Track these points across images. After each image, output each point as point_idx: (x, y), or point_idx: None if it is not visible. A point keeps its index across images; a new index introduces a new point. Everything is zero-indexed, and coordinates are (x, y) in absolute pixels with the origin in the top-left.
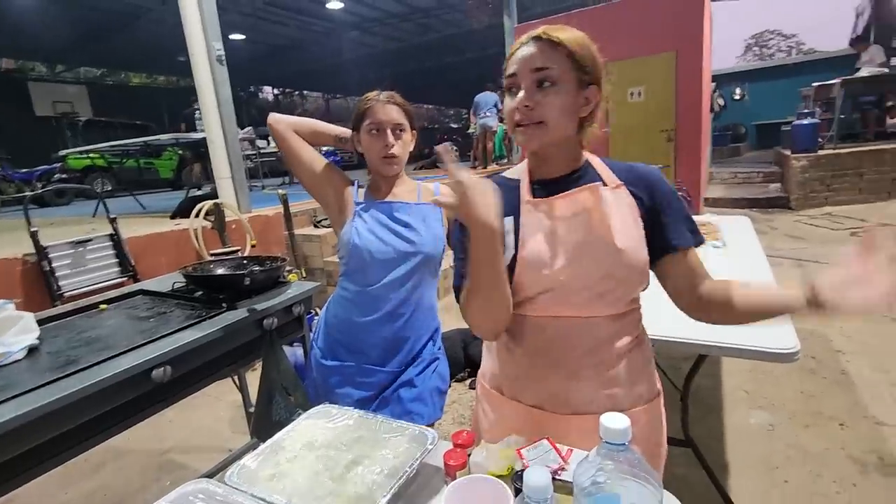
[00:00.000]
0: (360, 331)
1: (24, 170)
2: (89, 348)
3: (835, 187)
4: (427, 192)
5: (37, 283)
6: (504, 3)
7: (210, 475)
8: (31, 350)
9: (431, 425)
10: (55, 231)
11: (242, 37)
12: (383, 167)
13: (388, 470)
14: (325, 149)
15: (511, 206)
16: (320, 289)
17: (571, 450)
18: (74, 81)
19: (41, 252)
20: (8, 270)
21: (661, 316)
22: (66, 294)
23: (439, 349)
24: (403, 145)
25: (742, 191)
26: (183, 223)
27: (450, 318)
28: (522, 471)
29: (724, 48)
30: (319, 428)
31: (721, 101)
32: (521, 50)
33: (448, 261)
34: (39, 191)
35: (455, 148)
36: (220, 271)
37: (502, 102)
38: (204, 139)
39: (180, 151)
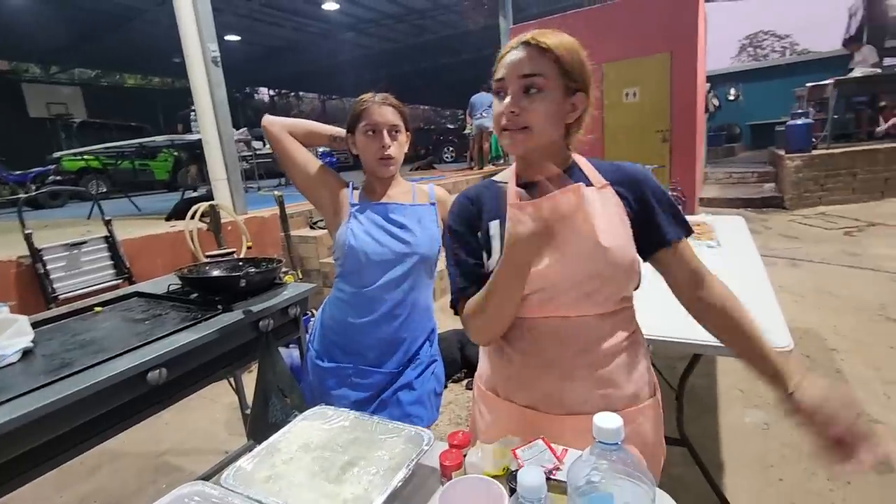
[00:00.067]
0: (356, 332)
1: (18, 172)
2: (84, 351)
3: (828, 187)
4: (422, 194)
5: (31, 286)
6: (499, 4)
7: (206, 477)
8: (26, 353)
9: (428, 427)
10: (50, 233)
11: (238, 38)
12: (379, 168)
13: (384, 471)
14: (320, 150)
15: (498, 211)
16: (316, 290)
17: (566, 450)
18: (69, 83)
19: (35, 254)
20: (2, 273)
21: (656, 315)
22: (61, 296)
23: (436, 351)
24: (399, 146)
25: (737, 191)
26: (178, 225)
27: (446, 318)
28: (517, 471)
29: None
30: (315, 429)
31: (716, 102)
32: (509, 54)
33: (444, 262)
34: (34, 193)
35: (451, 148)
36: (215, 273)
37: None
38: (199, 141)
39: (175, 153)
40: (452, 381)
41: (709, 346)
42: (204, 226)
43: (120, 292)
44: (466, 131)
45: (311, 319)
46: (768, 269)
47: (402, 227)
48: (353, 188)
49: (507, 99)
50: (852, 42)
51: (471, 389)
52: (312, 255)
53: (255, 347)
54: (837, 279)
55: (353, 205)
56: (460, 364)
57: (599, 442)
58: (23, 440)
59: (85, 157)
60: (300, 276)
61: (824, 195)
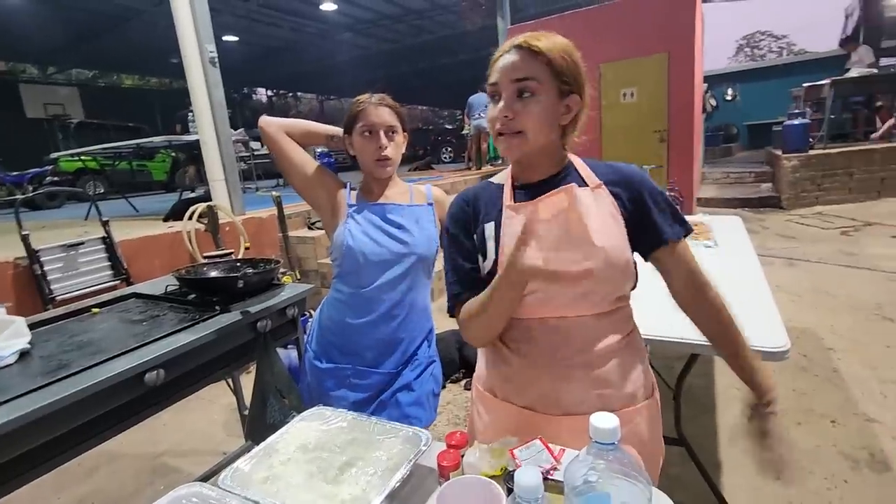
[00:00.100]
0: (354, 333)
1: (15, 172)
2: (82, 352)
3: (825, 187)
4: (419, 194)
5: (28, 287)
6: (497, 4)
7: (204, 478)
8: (23, 354)
9: (427, 428)
10: (47, 234)
11: (236, 38)
12: (376, 169)
13: (382, 471)
14: (318, 151)
15: (494, 212)
16: (314, 291)
17: (564, 450)
18: (66, 83)
19: (33, 255)
20: None
21: (654, 315)
22: (58, 298)
23: (434, 351)
24: (396, 147)
25: (734, 191)
26: (176, 226)
27: (444, 318)
28: (514, 471)
29: (715, 49)
30: (313, 430)
31: (713, 102)
32: (502, 58)
33: (442, 262)
34: (31, 194)
35: (449, 149)
36: (213, 274)
37: None
38: (197, 141)
39: (173, 154)
40: (451, 382)
41: (706, 346)
42: (202, 227)
43: (117, 293)
44: (464, 132)
45: (309, 320)
46: (765, 269)
47: (399, 227)
48: (351, 189)
49: (501, 103)
50: (849, 42)
51: (469, 390)
52: (310, 255)
53: (253, 348)
54: (834, 279)
55: (350, 205)
56: (458, 364)
57: (596, 442)
58: (20, 442)
59: (82, 157)
60: (298, 277)
61: (821, 195)
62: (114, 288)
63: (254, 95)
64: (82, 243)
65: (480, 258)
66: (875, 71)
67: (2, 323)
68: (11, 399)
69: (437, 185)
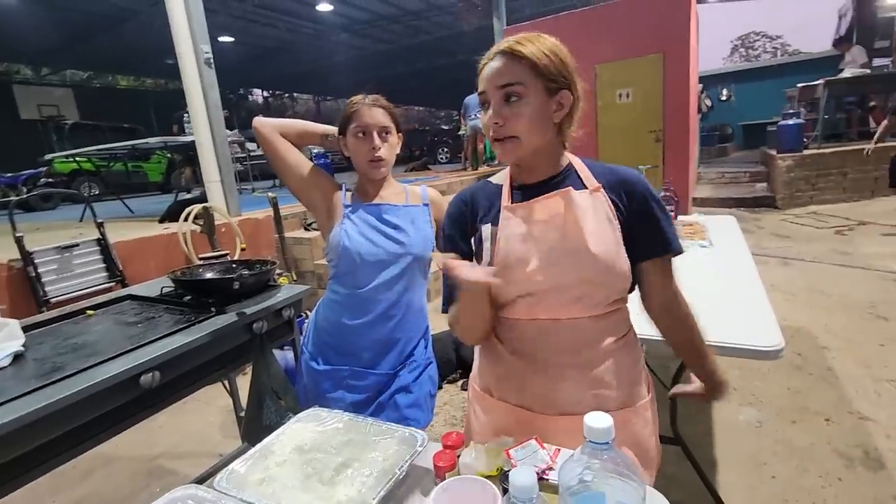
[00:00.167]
0: (350, 333)
1: (9, 174)
2: (76, 354)
3: (819, 186)
4: (414, 195)
5: (22, 289)
6: (493, 5)
7: (200, 480)
8: (17, 357)
9: (424, 429)
10: (41, 236)
11: (231, 39)
12: (370, 170)
13: (378, 472)
14: (314, 151)
15: (492, 214)
16: (310, 292)
17: (559, 450)
18: (60, 84)
19: (27, 257)
20: None
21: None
22: (53, 300)
23: (430, 352)
24: (390, 148)
25: (729, 190)
26: (171, 227)
27: (440, 319)
28: (510, 471)
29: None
30: (309, 431)
31: (708, 102)
32: (488, 66)
33: None
34: (25, 195)
35: (445, 149)
36: (209, 275)
37: None
38: (193, 142)
39: (169, 155)
40: (448, 382)
41: None
42: (197, 228)
43: (112, 295)
44: (461, 132)
45: (305, 321)
46: (760, 268)
47: (395, 227)
48: (346, 190)
49: (490, 111)
50: (842, 43)
51: (466, 390)
52: (307, 256)
53: (249, 350)
54: (828, 278)
55: (346, 206)
56: (455, 364)
57: (590, 441)
58: (15, 444)
59: (77, 158)
60: (294, 278)
61: (815, 194)
62: (109, 290)
63: (250, 96)
64: (77, 245)
65: (475, 261)
66: (868, 71)
67: None
68: (6, 402)
69: (433, 185)
